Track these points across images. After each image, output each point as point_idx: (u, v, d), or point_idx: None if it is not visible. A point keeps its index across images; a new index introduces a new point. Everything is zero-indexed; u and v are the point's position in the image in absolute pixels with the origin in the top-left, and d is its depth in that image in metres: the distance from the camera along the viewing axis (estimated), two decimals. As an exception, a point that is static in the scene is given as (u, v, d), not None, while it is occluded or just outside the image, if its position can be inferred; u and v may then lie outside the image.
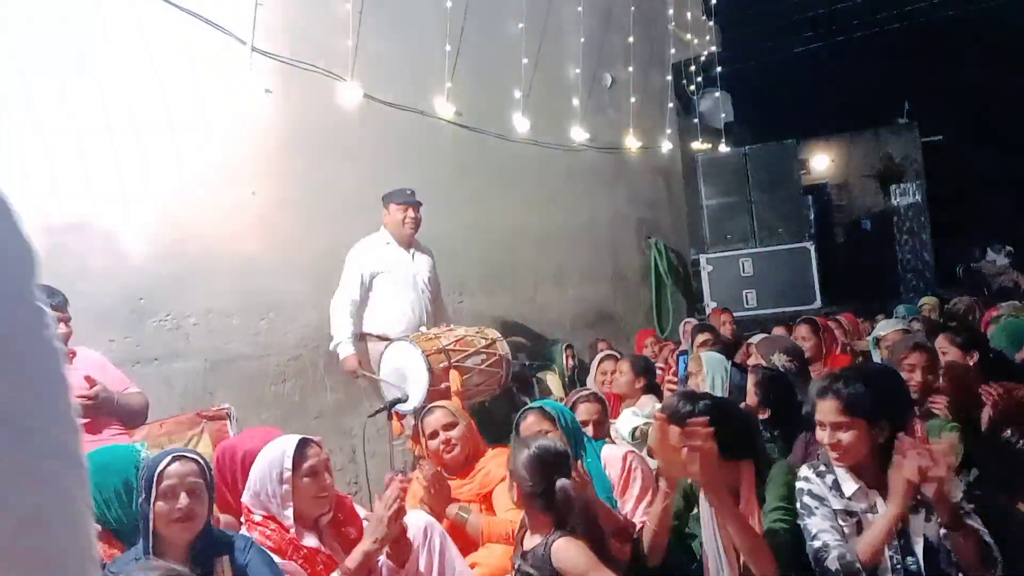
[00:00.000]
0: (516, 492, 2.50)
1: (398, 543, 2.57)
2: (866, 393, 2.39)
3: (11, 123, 3.65)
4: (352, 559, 2.42)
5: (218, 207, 4.41)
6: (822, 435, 2.42)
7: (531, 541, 2.50)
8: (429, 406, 3.50)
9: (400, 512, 2.51)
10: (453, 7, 5.63)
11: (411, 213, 4.60)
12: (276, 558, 2.38)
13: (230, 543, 2.28)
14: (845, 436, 2.35)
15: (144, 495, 2.18)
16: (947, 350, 3.89)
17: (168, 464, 2.20)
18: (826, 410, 2.39)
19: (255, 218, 4.64)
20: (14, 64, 3.67)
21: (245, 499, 2.64)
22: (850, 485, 2.37)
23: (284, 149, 4.83)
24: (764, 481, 2.53)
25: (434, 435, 3.32)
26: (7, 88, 3.64)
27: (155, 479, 2.17)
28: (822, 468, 2.45)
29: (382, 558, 2.62)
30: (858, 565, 2.20)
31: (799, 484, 2.45)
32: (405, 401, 3.96)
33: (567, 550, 2.37)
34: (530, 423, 3.12)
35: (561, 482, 2.43)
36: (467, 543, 2.96)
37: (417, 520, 2.75)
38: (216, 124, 4.47)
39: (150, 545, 2.15)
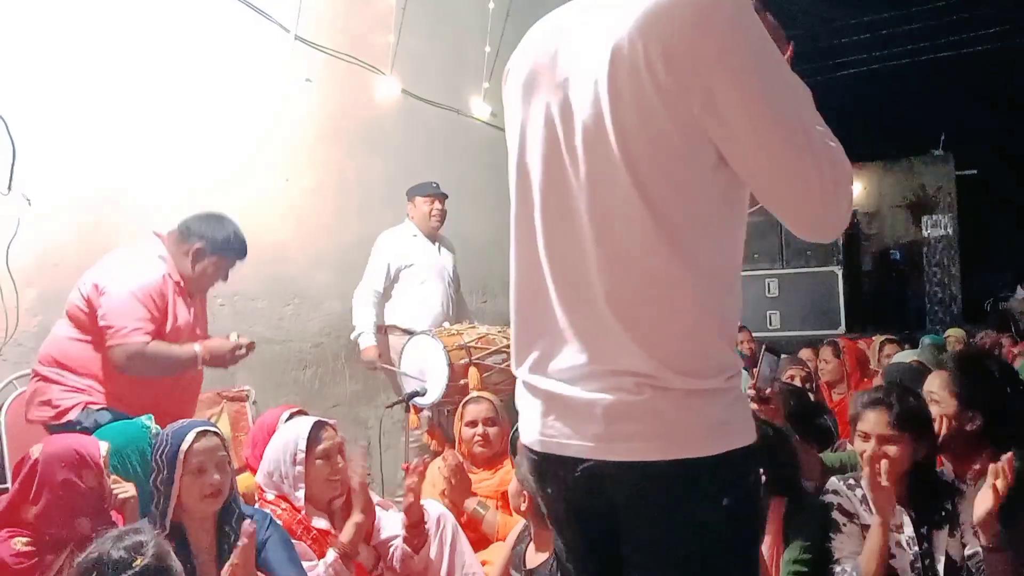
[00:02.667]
0: (527, 501, 2.45)
1: (415, 529, 2.59)
2: (918, 407, 2.37)
3: (58, 98, 3.72)
4: (345, 534, 2.45)
5: (251, 192, 4.46)
6: (864, 447, 2.36)
7: (536, 557, 2.46)
8: (476, 395, 3.52)
9: (362, 487, 2.52)
10: (495, 8, 5.65)
11: (438, 205, 4.66)
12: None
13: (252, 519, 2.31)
14: (892, 449, 2.30)
15: (166, 472, 2.17)
16: None
17: (194, 441, 2.21)
18: (874, 421, 2.34)
19: (287, 205, 4.68)
20: (65, 43, 3.73)
21: (258, 478, 2.67)
22: None
23: (320, 139, 4.87)
24: (790, 520, 2.45)
25: (473, 424, 3.33)
26: (55, 65, 3.70)
27: (181, 456, 2.17)
28: (852, 481, 2.42)
29: (398, 542, 2.63)
30: None
31: (828, 498, 2.41)
32: (423, 395, 3.98)
33: None
34: None
35: None
36: (478, 538, 2.97)
37: (431, 510, 2.76)
38: (254, 110, 4.52)
39: (167, 521, 2.17)
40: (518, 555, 2.55)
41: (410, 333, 4.54)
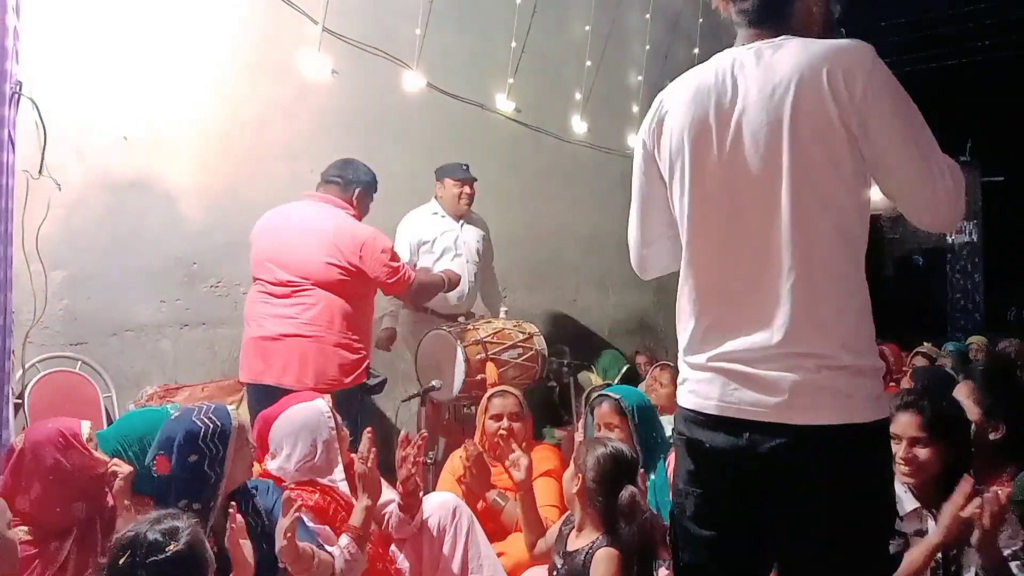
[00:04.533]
0: (579, 483, 2.48)
1: (410, 498, 2.63)
2: (949, 412, 2.37)
3: (88, 83, 3.76)
4: (355, 518, 2.49)
5: (276, 181, 4.49)
6: (895, 448, 2.35)
7: (576, 542, 2.48)
8: (502, 388, 3.55)
9: (371, 471, 2.54)
10: (522, 4, 5.65)
11: (467, 189, 4.71)
12: (308, 520, 2.43)
13: (251, 489, 2.38)
14: (923, 452, 2.32)
15: (221, 451, 2.21)
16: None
17: (240, 421, 2.29)
18: (905, 424, 2.35)
19: (311, 195, 4.71)
20: (95, 30, 3.78)
21: (274, 469, 2.65)
22: (907, 504, 2.34)
23: (344, 130, 4.90)
24: None
25: (498, 417, 3.36)
26: (86, 50, 3.75)
27: (235, 433, 2.24)
28: None
29: (393, 508, 2.67)
30: None
31: None
32: (439, 389, 3.99)
33: (606, 563, 2.36)
34: (603, 412, 3.11)
35: (630, 489, 2.41)
36: (495, 530, 2.98)
37: (446, 501, 2.79)
38: (281, 99, 4.56)
39: (220, 498, 2.21)
40: (561, 538, 2.58)
41: (423, 310, 4.57)
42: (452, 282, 4.24)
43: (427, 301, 4.23)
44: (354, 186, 3.76)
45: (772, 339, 1.56)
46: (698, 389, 1.67)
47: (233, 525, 2.03)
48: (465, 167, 4.74)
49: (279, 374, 3.42)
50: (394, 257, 3.67)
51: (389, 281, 3.62)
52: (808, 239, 1.55)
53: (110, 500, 2.32)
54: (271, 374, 3.43)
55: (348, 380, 3.52)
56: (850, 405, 1.54)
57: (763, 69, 1.59)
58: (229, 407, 2.32)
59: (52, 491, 2.17)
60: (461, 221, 4.76)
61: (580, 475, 2.48)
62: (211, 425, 2.23)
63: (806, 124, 1.53)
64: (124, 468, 2.31)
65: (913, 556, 2.21)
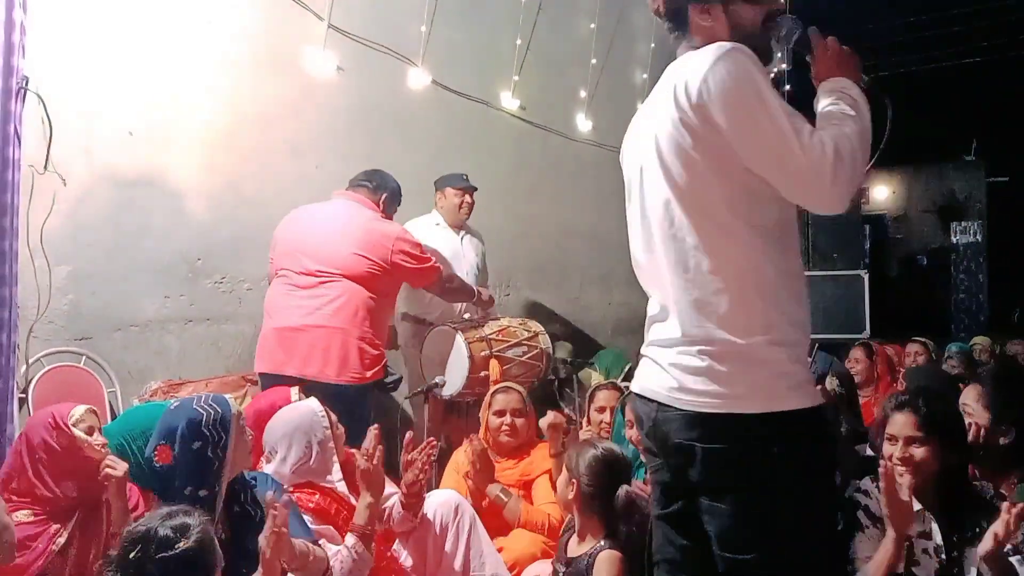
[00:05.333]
0: (575, 489, 2.47)
1: (413, 498, 2.63)
2: (946, 412, 2.36)
3: (94, 80, 3.76)
4: (359, 516, 2.50)
5: (281, 178, 4.50)
6: (891, 449, 2.34)
7: (577, 548, 2.48)
8: (505, 384, 3.56)
9: (375, 468, 2.54)
10: (527, 2, 5.65)
11: (468, 198, 4.69)
12: (311, 522, 2.43)
13: (250, 480, 2.39)
14: (918, 452, 2.29)
15: (224, 437, 2.23)
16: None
17: (237, 409, 2.32)
18: (901, 423, 2.33)
19: (316, 192, 4.69)
20: (102, 26, 3.78)
21: (270, 472, 2.64)
22: None
23: (350, 127, 4.90)
24: None
25: (501, 413, 3.38)
26: (92, 47, 3.75)
27: (234, 420, 2.27)
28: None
29: (395, 501, 2.68)
30: None
31: (857, 496, 2.38)
32: (442, 386, 4.00)
33: (608, 566, 2.35)
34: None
35: (624, 488, 2.42)
36: (498, 525, 3.00)
37: (449, 499, 2.80)
38: (286, 96, 4.56)
39: (224, 483, 2.22)
40: (560, 544, 2.57)
41: (420, 321, 4.56)
42: (483, 301, 4.36)
43: (454, 299, 4.30)
44: (382, 191, 3.91)
45: (672, 331, 1.68)
46: (637, 372, 1.85)
47: (275, 530, 1.98)
48: (464, 176, 4.73)
49: (301, 365, 3.43)
50: (423, 250, 3.82)
51: (422, 267, 3.76)
52: (679, 234, 1.66)
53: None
54: (293, 365, 3.44)
55: (369, 375, 3.56)
56: (734, 393, 1.57)
57: (662, 86, 1.72)
58: (228, 397, 2.35)
59: (42, 469, 2.25)
60: (461, 233, 4.75)
61: (574, 480, 2.47)
62: (212, 412, 2.25)
63: (662, 134, 1.65)
64: (119, 468, 2.28)
65: (878, 557, 2.18)
